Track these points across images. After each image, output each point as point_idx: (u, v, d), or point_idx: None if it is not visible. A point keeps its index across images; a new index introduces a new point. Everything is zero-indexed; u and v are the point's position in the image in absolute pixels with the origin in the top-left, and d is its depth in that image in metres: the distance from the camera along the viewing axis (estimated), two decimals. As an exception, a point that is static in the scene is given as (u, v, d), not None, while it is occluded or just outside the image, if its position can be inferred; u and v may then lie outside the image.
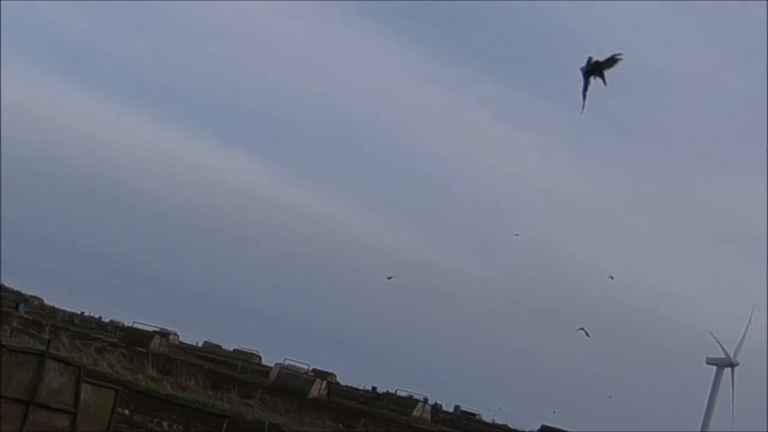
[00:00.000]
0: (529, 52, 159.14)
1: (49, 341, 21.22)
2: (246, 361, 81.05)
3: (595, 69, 14.42)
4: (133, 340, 68.77)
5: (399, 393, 69.12)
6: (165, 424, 31.48)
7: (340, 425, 44.91)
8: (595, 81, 14.47)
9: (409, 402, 64.63)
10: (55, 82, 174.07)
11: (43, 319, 73.22)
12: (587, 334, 51.49)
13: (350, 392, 70.77)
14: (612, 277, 76.32)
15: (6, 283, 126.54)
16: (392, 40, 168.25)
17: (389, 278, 51.33)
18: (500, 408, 78.33)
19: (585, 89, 14.52)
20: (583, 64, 14.50)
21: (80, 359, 32.95)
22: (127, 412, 29.64)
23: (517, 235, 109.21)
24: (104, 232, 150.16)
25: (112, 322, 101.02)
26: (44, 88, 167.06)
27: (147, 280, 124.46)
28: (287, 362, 72.24)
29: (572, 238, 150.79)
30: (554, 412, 75.95)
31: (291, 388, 55.95)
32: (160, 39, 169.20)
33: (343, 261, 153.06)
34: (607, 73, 14.38)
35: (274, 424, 36.36)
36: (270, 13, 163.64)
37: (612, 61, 14.40)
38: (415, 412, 61.03)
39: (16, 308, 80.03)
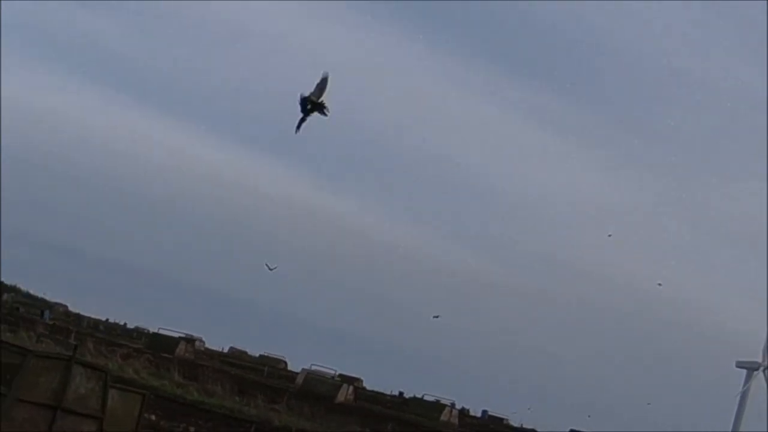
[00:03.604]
0: (557, 55, 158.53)
1: (75, 346, 21.00)
2: (272, 366, 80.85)
3: (312, 106, 14.81)
4: (158, 346, 68.67)
5: (426, 398, 68.63)
6: (192, 429, 31.33)
7: (367, 430, 44.62)
8: (313, 114, 14.90)
9: (437, 406, 64.14)
10: (72, 84, 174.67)
11: (68, 326, 73.27)
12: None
13: (377, 397, 70.33)
14: (660, 284, 75.21)
15: (31, 291, 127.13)
16: (418, 43, 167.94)
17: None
18: (529, 409, 77.82)
19: (302, 120, 14.94)
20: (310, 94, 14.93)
21: (106, 365, 32.65)
22: (153, 417, 29.46)
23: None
24: (129, 240, 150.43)
25: (137, 329, 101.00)
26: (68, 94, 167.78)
27: (171, 287, 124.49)
28: (313, 367, 71.90)
29: (601, 242, 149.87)
30: (588, 416, 75.46)
31: (318, 393, 55.66)
32: (181, 42, 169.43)
33: (369, 266, 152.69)
34: (324, 101, 14.80)
35: (301, 430, 36.12)
36: (293, 16, 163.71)
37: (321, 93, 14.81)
38: (443, 417, 60.64)
39: (41, 315, 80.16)
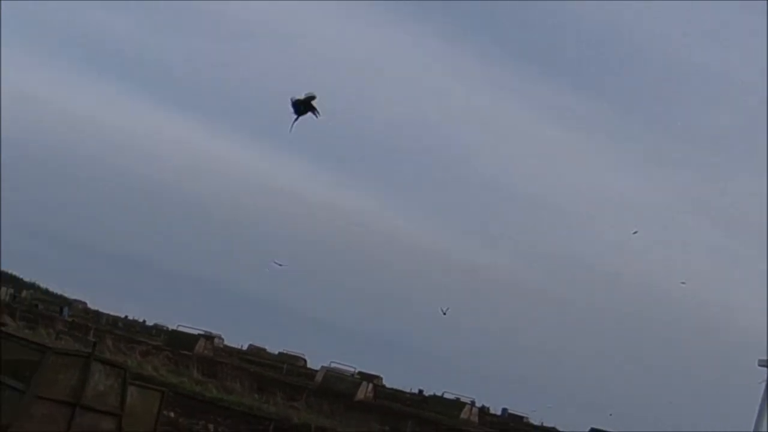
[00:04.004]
0: (583, 53, 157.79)
1: (95, 343, 20.86)
2: (291, 364, 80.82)
3: (304, 107, 15.13)
4: (177, 343, 68.68)
5: (446, 396, 68.44)
6: (211, 426, 31.14)
7: (387, 428, 44.43)
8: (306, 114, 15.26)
9: (456, 404, 63.94)
10: (94, 82, 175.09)
11: (87, 323, 73.40)
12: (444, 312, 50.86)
13: (396, 395, 70.19)
14: (684, 283, 74.96)
15: (50, 287, 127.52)
16: (441, 41, 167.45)
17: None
18: (549, 407, 77.50)
19: (295, 120, 15.28)
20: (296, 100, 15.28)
21: (125, 362, 32.51)
22: (172, 414, 29.31)
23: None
24: (148, 237, 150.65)
25: (156, 326, 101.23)
26: (87, 90, 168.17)
27: (191, 284, 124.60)
28: (333, 365, 71.80)
29: (624, 240, 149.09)
30: (611, 415, 75.00)
31: (337, 390, 55.54)
32: (201, 40, 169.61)
33: (389, 263, 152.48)
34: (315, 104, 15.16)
35: (320, 427, 35.92)
36: (314, 14, 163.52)
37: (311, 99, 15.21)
38: (463, 415, 60.43)
39: (60, 312, 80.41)
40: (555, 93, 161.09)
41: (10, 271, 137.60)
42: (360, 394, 57.38)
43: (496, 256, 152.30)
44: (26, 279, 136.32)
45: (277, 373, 65.85)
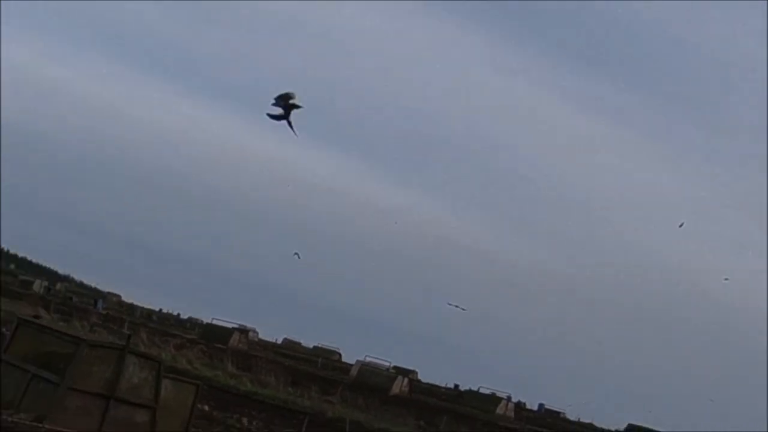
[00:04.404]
0: (618, 44, 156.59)
1: (129, 336, 20.72)
2: (326, 358, 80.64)
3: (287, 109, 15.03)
4: (211, 336, 68.68)
5: (482, 390, 68.01)
6: (245, 420, 30.94)
7: (422, 423, 44.12)
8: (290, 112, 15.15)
9: (492, 399, 63.47)
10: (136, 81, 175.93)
11: (122, 316, 73.58)
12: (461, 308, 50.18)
13: (432, 389, 69.87)
14: (727, 279, 74.24)
15: (84, 280, 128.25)
16: (475, 33, 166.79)
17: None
18: (586, 403, 76.93)
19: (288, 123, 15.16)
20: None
21: (159, 355, 32.39)
22: (206, 408, 29.14)
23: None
24: (183, 230, 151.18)
25: (190, 319, 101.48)
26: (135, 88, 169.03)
27: (226, 277, 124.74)
28: (368, 359, 71.54)
29: (664, 235, 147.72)
30: (650, 412, 74.43)
31: (372, 385, 55.29)
32: (242, 35, 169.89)
33: (425, 258, 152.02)
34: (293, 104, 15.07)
35: (355, 421, 35.63)
36: (353, 9, 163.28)
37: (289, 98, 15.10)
38: (498, 410, 59.99)
39: (95, 305, 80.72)
40: (593, 86, 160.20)
41: (45, 264, 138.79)
42: (395, 389, 57.07)
43: (536, 251, 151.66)
44: (61, 271, 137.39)
45: (312, 367, 65.71)
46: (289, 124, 15.22)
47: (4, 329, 24.62)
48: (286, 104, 15.02)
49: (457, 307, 48.87)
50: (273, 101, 15.13)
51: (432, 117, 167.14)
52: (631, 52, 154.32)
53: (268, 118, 15.23)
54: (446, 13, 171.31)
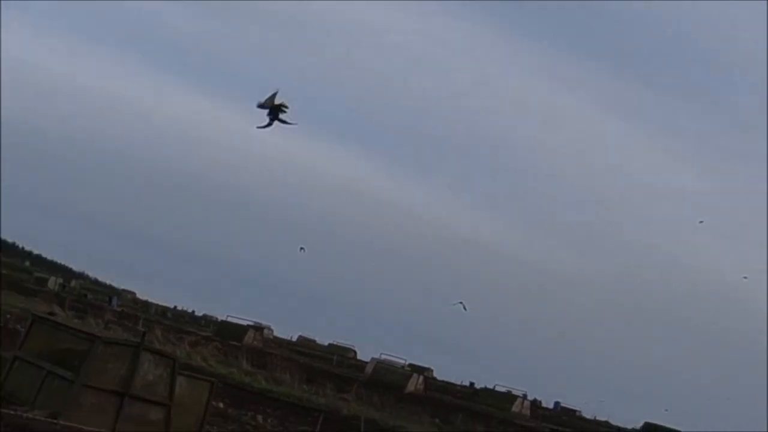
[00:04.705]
0: (644, 45, 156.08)
1: (144, 333, 20.67)
2: (341, 355, 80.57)
3: (274, 112, 14.93)
4: (226, 334, 68.69)
5: (497, 388, 67.87)
6: (260, 417, 30.80)
7: (437, 420, 43.92)
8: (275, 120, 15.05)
9: (508, 397, 63.28)
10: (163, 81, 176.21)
11: (137, 313, 73.65)
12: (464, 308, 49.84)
13: (447, 387, 69.73)
14: (746, 277, 73.97)
15: (99, 277, 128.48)
16: (504, 35, 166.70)
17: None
18: (602, 401, 76.80)
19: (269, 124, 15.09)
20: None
21: (174, 352, 32.36)
22: (221, 405, 29.03)
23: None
24: (198, 228, 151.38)
25: (205, 316, 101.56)
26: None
27: (241, 275, 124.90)
28: (383, 357, 71.45)
29: (686, 235, 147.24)
30: (666, 410, 74.16)
31: (387, 382, 55.16)
32: (271, 37, 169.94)
33: (442, 256, 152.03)
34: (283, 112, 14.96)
35: (370, 419, 35.47)
36: (383, 11, 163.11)
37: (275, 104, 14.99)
38: (514, 408, 59.79)
39: (109, 302, 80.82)
40: (609, 83, 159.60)
41: (60, 261, 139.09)
42: (410, 387, 56.97)
43: (553, 250, 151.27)
44: (76, 269, 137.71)
45: (327, 365, 65.64)
46: (282, 121, 15.17)
47: (18, 326, 24.62)
48: (272, 108, 14.98)
49: (460, 304, 48.65)
50: (260, 106, 15.08)
51: (448, 116, 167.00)
52: (652, 50, 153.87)
53: (258, 129, 15.23)
54: (464, 12, 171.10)
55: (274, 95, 15.01)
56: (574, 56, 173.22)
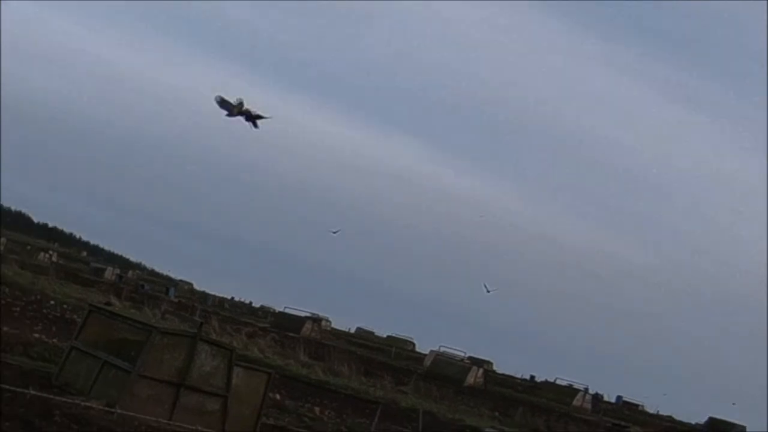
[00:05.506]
0: (706, 33, 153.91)
1: (201, 324, 20.53)
2: (400, 347, 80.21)
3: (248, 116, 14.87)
4: (284, 325, 68.68)
5: (558, 382, 67.13)
6: (317, 409, 30.46)
7: (497, 413, 43.40)
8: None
9: (569, 391, 62.56)
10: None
11: (194, 304, 73.86)
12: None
13: (507, 380, 69.09)
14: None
15: (155, 268, 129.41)
16: (563, 23, 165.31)
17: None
18: (665, 395, 75.78)
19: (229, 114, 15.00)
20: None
21: (231, 343, 32.25)
22: (278, 396, 28.77)
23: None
24: (256, 219, 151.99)
25: (262, 308, 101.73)
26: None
27: (299, 266, 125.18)
28: (442, 349, 70.93)
29: (751, 225, 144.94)
30: (734, 404, 73.07)
31: (446, 375, 54.82)
32: (334, 28, 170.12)
33: (503, 249, 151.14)
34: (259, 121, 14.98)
35: (428, 412, 35.04)
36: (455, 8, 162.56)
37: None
38: (575, 402, 59.08)
39: (166, 292, 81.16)
40: (680, 74, 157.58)
41: (117, 252, 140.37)
42: (470, 379, 56.56)
43: (621, 242, 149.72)
44: (133, 259, 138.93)
45: (385, 357, 65.34)
46: (254, 125, 15.09)
47: (75, 316, 24.62)
48: (250, 119, 14.87)
49: (493, 289, 48.10)
50: (219, 104, 14.95)
51: (514, 106, 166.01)
52: (710, 38, 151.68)
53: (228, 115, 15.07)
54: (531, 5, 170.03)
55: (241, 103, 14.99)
56: (635, 43, 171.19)
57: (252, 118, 14.93)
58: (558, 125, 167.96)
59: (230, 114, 14.91)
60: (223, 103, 14.99)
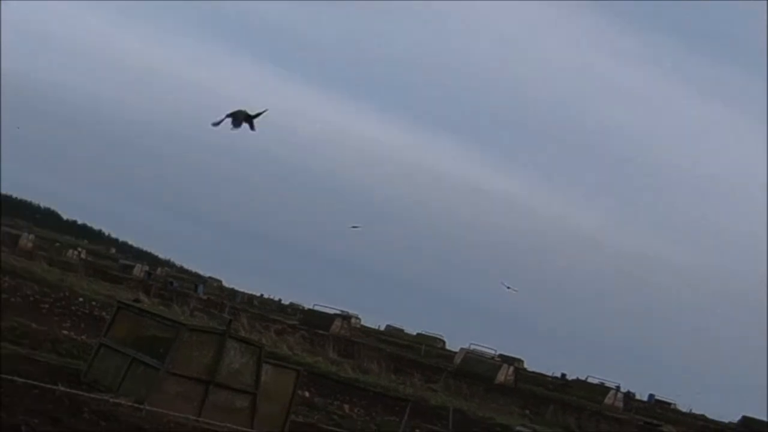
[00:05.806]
0: (741, 27, 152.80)
1: (230, 321, 20.43)
2: (429, 345, 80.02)
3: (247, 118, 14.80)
4: (313, 322, 68.63)
5: (590, 380, 66.73)
6: (346, 407, 30.32)
7: (527, 411, 43.15)
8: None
9: (600, 389, 62.15)
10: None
11: (222, 301, 73.94)
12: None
13: (538, 378, 68.77)
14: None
15: (184, 265, 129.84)
16: (594, 18, 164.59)
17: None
18: (698, 393, 75.29)
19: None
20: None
21: (260, 341, 32.14)
22: (307, 394, 28.66)
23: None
24: (286, 216, 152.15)
25: (291, 305, 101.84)
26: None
27: (328, 264, 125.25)
28: (472, 347, 70.66)
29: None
30: None
31: (476, 373, 54.63)
32: (368, 26, 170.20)
33: (534, 246, 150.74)
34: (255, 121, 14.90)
35: (458, 410, 34.82)
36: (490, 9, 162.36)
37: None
38: (607, 400, 58.72)
39: (195, 289, 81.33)
40: (711, 70, 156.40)
41: (146, 249, 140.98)
42: (500, 377, 56.36)
43: (648, 240, 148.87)
44: (162, 256, 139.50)
45: (415, 355, 65.18)
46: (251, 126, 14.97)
47: (104, 313, 24.56)
48: (247, 120, 14.75)
49: (513, 289, 47.91)
50: (227, 119, 14.84)
51: (546, 103, 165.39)
52: (748, 34, 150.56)
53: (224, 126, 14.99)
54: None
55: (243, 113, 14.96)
56: (666, 37, 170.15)
57: (250, 119, 14.83)
58: (594, 124, 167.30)
59: (237, 124, 14.87)
60: (234, 119, 14.94)
